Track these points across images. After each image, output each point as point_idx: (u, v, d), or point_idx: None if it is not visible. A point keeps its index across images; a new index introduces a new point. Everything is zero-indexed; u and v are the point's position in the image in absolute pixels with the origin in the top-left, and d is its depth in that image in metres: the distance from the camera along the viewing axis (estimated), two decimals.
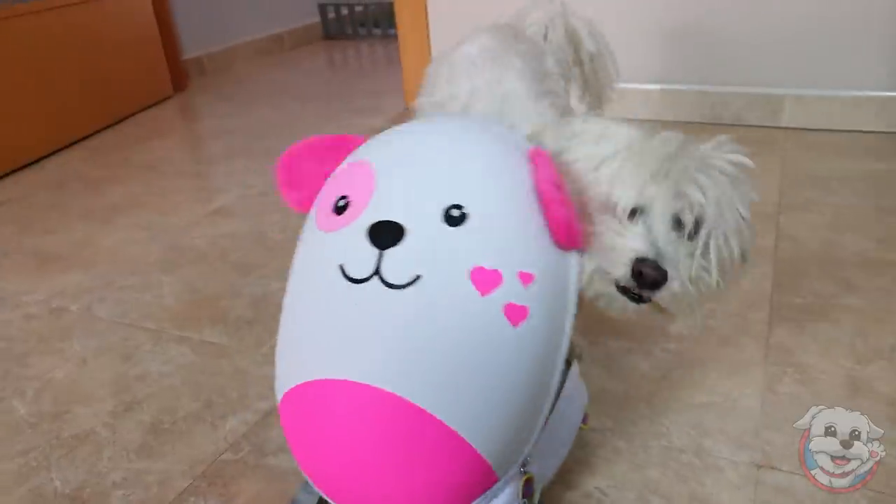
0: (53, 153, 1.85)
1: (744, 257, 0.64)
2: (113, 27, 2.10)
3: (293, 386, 0.56)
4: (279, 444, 0.77)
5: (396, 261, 0.54)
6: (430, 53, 2.01)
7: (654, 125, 0.65)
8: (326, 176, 0.66)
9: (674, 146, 0.61)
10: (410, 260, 0.53)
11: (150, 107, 2.27)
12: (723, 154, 0.62)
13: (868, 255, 1.07)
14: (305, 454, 0.56)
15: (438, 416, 0.51)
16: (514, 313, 0.53)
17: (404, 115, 2.03)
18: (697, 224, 0.60)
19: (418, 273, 0.53)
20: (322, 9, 3.39)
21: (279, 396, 0.58)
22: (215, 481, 0.73)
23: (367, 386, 0.51)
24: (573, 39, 1.07)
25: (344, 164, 0.66)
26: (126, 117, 2.15)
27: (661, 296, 0.60)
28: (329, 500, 0.57)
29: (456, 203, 0.55)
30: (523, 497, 0.58)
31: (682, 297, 0.60)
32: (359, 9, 3.38)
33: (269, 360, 0.90)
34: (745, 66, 1.67)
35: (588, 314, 0.91)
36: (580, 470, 0.70)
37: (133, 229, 1.36)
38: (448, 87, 0.88)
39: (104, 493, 0.72)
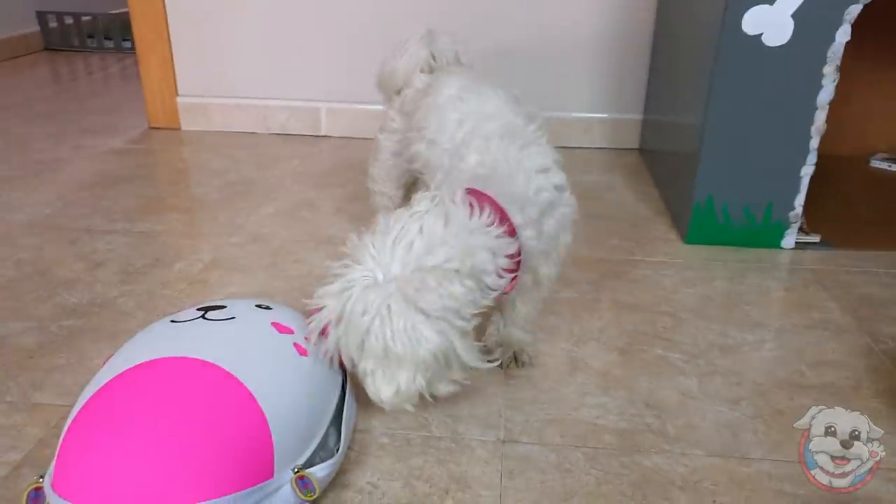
0: None
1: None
2: None
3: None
4: None
5: (217, 313, 0.76)
6: (174, 70, 1.93)
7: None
8: None
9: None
10: (228, 313, 0.77)
11: None
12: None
13: (581, 254, 1.26)
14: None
15: (243, 382, 0.67)
16: (300, 350, 0.74)
17: (146, 135, 1.93)
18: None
19: (232, 316, 0.76)
20: (41, 17, 3.07)
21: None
22: None
23: (189, 358, 0.68)
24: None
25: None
26: None
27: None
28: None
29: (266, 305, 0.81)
30: (301, 490, 0.65)
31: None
32: (86, 18, 3.12)
33: (15, 408, 0.84)
34: None
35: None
36: (352, 469, 0.76)
37: None
38: (438, 124, 0.90)
39: None
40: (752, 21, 1.15)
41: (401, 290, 0.66)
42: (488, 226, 0.72)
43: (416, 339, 0.66)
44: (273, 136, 1.93)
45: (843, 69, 1.16)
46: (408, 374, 0.68)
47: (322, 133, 1.94)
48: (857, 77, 1.57)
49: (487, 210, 0.72)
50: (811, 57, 1.16)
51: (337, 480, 0.73)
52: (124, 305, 1.07)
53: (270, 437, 0.66)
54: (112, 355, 0.72)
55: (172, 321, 0.76)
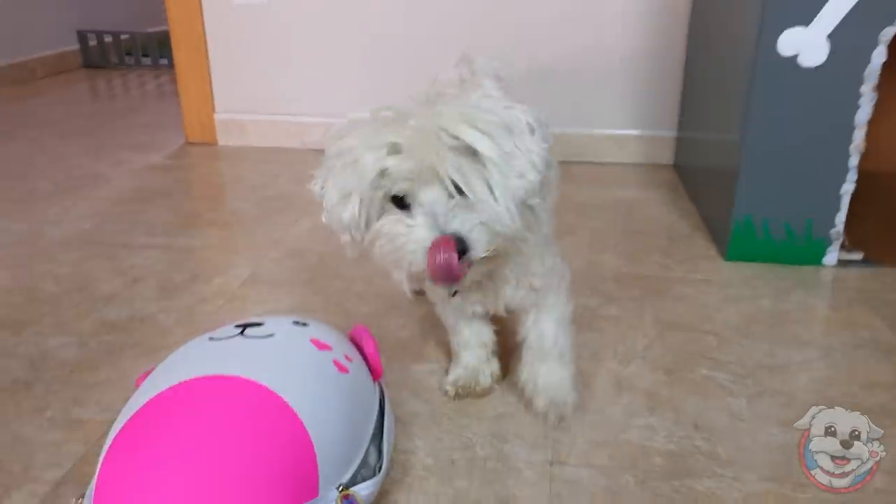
0: None
1: (534, 178, 0.66)
2: None
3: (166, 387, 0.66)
4: None
5: (256, 330, 0.74)
6: (211, 87, 1.96)
7: None
8: None
9: (410, 117, 0.65)
10: (266, 330, 0.74)
11: None
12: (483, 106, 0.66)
13: (621, 270, 1.25)
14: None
15: (286, 399, 0.65)
16: (340, 367, 0.72)
17: (183, 150, 1.96)
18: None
19: (271, 333, 0.74)
20: (82, 35, 3.15)
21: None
22: None
23: (231, 376, 0.66)
24: None
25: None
26: None
27: (475, 255, 0.64)
28: None
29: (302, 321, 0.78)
30: None
31: (495, 239, 0.65)
32: (124, 37, 3.19)
33: (55, 424, 0.84)
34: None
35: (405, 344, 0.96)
36: (396, 491, 0.75)
37: None
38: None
39: None
40: (788, 43, 1.13)
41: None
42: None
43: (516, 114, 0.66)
44: (309, 151, 1.95)
45: (880, 84, 1.14)
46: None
47: None
48: (892, 93, 1.54)
49: None
50: (848, 77, 1.14)
51: (381, 502, 0.72)
52: (164, 321, 1.07)
53: (315, 455, 0.65)
54: (148, 373, 0.72)
55: (211, 339, 0.75)
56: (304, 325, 0.79)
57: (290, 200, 1.58)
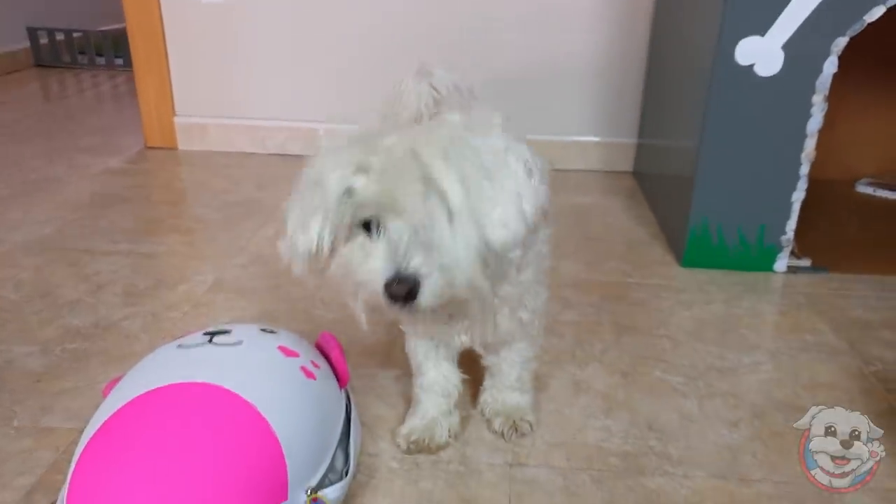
0: None
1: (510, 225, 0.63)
2: None
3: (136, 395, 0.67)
4: None
5: (224, 338, 0.76)
6: (171, 89, 1.94)
7: None
8: None
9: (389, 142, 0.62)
10: (234, 337, 0.76)
11: None
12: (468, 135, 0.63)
13: (580, 276, 1.29)
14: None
15: (255, 405, 0.67)
16: (307, 373, 0.74)
17: (142, 154, 1.94)
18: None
19: (240, 340, 0.75)
20: (32, 33, 3.07)
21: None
22: None
23: (201, 383, 0.68)
24: None
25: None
26: None
27: (424, 305, 0.60)
28: None
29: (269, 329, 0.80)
30: None
31: (445, 297, 0.61)
32: (77, 35, 3.13)
33: (24, 433, 0.84)
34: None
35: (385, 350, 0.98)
36: (363, 493, 0.77)
37: None
38: None
39: None
40: (745, 52, 1.19)
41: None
42: None
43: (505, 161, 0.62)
44: (271, 155, 1.95)
45: (830, 96, 1.20)
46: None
47: None
48: (843, 104, 1.61)
49: None
50: (801, 87, 1.20)
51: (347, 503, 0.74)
52: (129, 328, 1.08)
53: (284, 459, 0.67)
54: (115, 381, 0.73)
55: (179, 346, 0.77)
56: (272, 332, 0.81)
57: (253, 206, 1.58)
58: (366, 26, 1.83)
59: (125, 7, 1.87)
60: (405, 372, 0.98)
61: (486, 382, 0.89)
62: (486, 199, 0.61)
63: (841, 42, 1.16)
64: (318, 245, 0.65)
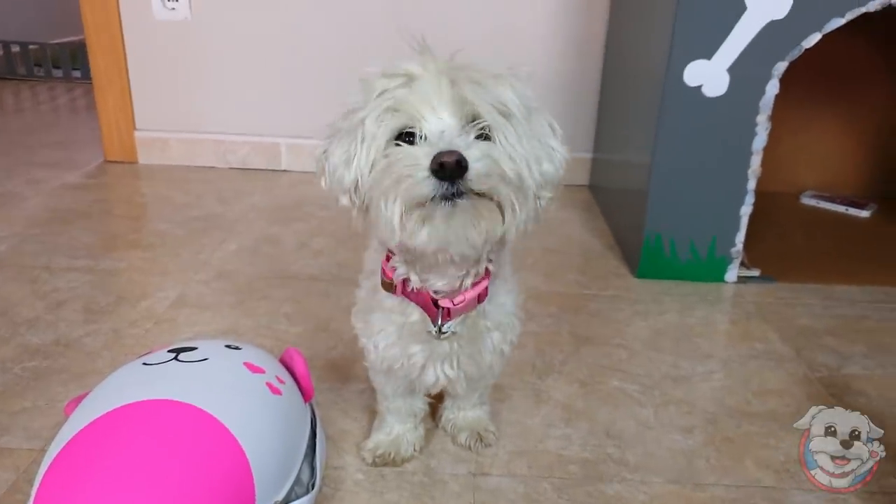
0: None
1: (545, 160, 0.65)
2: None
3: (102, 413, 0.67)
4: None
5: (189, 355, 0.76)
6: (131, 102, 1.93)
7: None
8: None
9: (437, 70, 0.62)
10: (200, 354, 0.77)
11: None
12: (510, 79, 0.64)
13: (539, 288, 1.32)
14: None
15: (222, 421, 0.68)
16: (273, 389, 0.75)
17: (102, 169, 1.92)
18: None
19: (205, 357, 0.76)
20: None
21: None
22: None
23: (168, 400, 0.69)
24: None
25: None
26: None
27: (473, 180, 0.58)
28: None
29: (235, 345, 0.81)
30: None
31: (494, 179, 0.59)
32: (33, 47, 3.08)
33: None
34: None
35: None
36: None
37: None
38: None
39: None
40: (693, 74, 1.24)
41: None
42: None
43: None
44: (233, 170, 1.95)
45: (774, 113, 1.26)
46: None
47: (282, 168, 1.96)
48: (786, 120, 1.68)
49: None
50: (746, 107, 1.26)
51: None
52: (90, 345, 1.07)
53: (252, 474, 0.68)
54: (77, 400, 0.73)
55: (145, 364, 0.77)
56: (238, 348, 0.82)
57: (215, 221, 1.58)
58: (326, 41, 1.85)
59: (84, 20, 1.86)
60: (369, 386, 0.99)
61: (447, 402, 0.91)
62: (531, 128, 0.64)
63: (781, 66, 1.22)
64: (360, 176, 0.64)
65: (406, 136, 0.62)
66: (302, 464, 0.76)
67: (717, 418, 0.96)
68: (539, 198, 0.66)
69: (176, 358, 0.78)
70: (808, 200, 1.84)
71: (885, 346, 1.16)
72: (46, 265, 1.33)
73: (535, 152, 0.64)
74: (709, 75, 1.24)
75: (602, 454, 0.88)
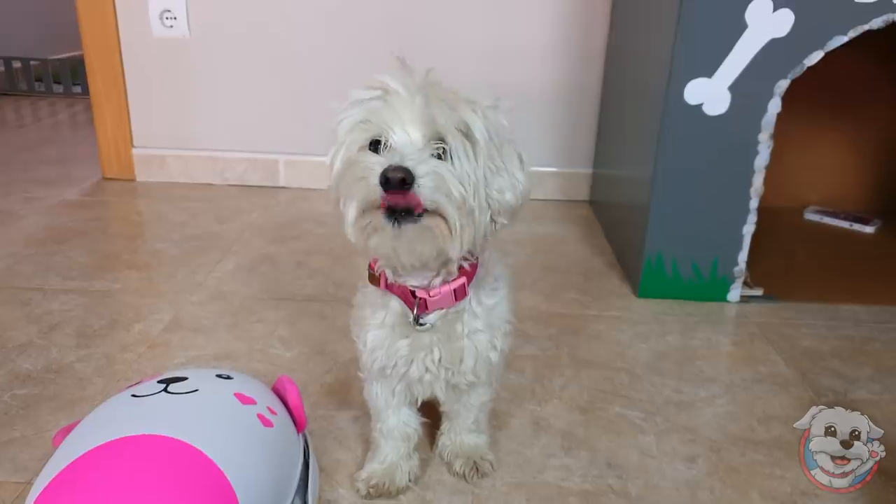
0: None
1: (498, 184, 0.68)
2: None
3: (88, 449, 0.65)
4: None
5: (179, 386, 0.75)
6: (129, 119, 1.92)
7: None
8: None
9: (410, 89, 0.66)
10: (190, 385, 0.75)
11: None
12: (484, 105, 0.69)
13: (538, 308, 1.30)
14: None
15: (211, 457, 0.66)
16: (264, 420, 0.73)
17: (99, 186, 1.91)
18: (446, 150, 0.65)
19: (195, 388, 0.74)
20: None
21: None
22: None
23: (157, 435, 0.67)
24: None
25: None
26: None
27: (421, 194, 0.62)
28: None
29: (226, 374, 0.79)
30: None
31: (439, 196, 0.63)
32: (34, 62, 3.08)
33: None
34: None
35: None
36: None
37: None
38: None
39: None
40: (693, 92, 1.22)
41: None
42: None
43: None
44: (231, 187, 1.93)
45: (777, 128, 1.24)
46: None
47: (280, 184, 1.95)
48: (789, 135, 1.67)
49: None
50: (747, 126, 1.24)
51: None
52: (82, 371, 1.05)
53: None
54: (66, 430, 0.71)
55: (134, 395, 0.75)
56: (229, 378, 0.80)
57: (212, 240, 1.57)
58: (325, 59, 1.84)
59: (83, 36, 1.85)
60: (363, 412, 0.97)
61: (444, 426, 0.89)
62: (494, 161, 0.68)
63: (783, 84, 1.21)
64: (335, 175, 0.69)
65: (377, 144, 0.66)
66: (294, 497, 0.74)
67: (721, 446, 0.94)
68: (494, 221, 0.71)
69: (165, 389, 0.76)
70: (811, 216, 1.82)
71: (892, 369, 1.14)
72: (40, 286, 1.31)
73: (496, 180, 0.68)
74: (710, 94, 1.22)
75: (603, 485, 0.86)
